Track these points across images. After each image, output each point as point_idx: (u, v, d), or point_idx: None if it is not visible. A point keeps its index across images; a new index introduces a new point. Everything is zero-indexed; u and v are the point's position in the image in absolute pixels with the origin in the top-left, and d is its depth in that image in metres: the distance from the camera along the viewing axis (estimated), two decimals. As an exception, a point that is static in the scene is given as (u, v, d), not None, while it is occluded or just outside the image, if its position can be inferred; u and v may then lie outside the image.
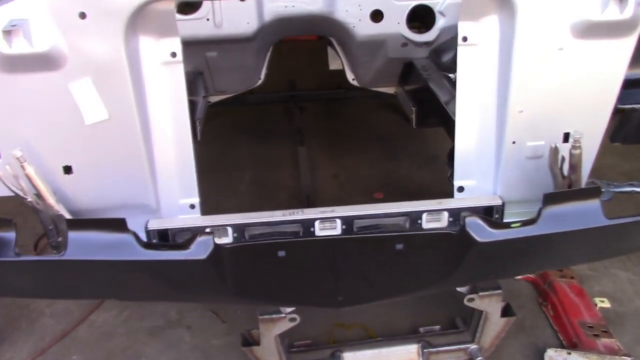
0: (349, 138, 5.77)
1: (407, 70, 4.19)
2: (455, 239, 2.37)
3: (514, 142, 2.65)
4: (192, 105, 3.79)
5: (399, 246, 2.38)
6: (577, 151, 2.48)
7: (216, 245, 2.27)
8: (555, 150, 2.51)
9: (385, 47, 4.01)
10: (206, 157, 5.32)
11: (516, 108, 2.58)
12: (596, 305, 3.91)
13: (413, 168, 5.33)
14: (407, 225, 2.69)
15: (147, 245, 2.28)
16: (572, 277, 4.06)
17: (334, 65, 4.71)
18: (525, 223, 2.37)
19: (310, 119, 5.99)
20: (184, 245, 2.27)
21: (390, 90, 4.59)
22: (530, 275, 4.13)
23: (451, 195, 2.85)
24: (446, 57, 3.99)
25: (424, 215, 2.67)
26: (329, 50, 4.70)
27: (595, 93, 2.58)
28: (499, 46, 2.57)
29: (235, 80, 4.23)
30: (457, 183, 2.77)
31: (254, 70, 4.21)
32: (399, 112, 5.93)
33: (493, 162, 2.71)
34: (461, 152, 2.70)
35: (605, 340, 3.64)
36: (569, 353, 3.56)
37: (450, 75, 3.71)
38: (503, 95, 2.60)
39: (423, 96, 3.95)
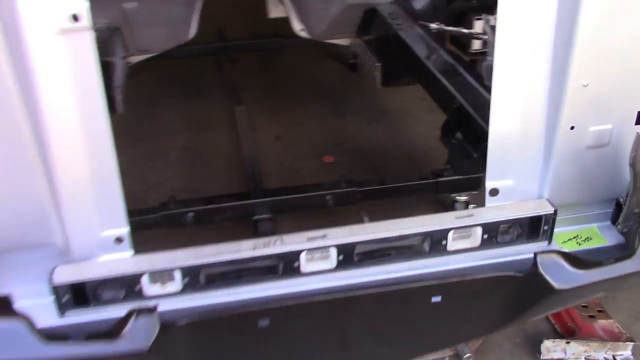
0: (289, 92, 4.73)
1: (369, 19, 3.18)
2: (522, 284, 1.45)
3: (572, 128, 1.72)
4: (109, 70, 2.70)
5: (436, 298, 1.44)
6: (673, 141, 1.58)
7: (163, 327, 1.26)
8: (644, 139, 1.59)
9: (344, -9, 2.99)
10: (127, 122, 4.28)
11: (580, 80, 1.65)
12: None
13: (362, 124, 4.36)
14: (427, 247, 1.75)
15: (52, 337, 1.24)
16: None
17: (275, 12, 3.65)
18: (619, 258, 1.47)
19: (245, 73, 4.89)
20: (113, 333, 1.25)
21: (344, 42, 3.56)
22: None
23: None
24: (420, 3, 3.01)
25: (450, 234, 1.73)
26: (269, -6, 3.63)
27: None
28: (559, -9, 1.60)
29: (161, 36, 3.11)
30: (489, 184, 1.82)
31: (184, 23, 3.11)
32: (340, 61, 4.96)
33: (540, 154, 1.78)
34: (497, 141, 1.75)
35: (602, 322, 2.93)
36: (568, 342, 2.79)
37: (432, 25, 2.73)
38: (561, 63, 1.65)
39: (391, 50, 2.97)
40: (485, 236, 1.75)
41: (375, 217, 3.45)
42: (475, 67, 2.76)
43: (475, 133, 2.27)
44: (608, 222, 1.86)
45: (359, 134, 4.27)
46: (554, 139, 1.72)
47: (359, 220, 3.42)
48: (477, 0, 3.21)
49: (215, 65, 4.96)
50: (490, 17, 2.30)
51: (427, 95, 4.15)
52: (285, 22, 3.61)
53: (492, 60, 2.32)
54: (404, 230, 1.70)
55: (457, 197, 3.40)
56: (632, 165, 1.62)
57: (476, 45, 3.15)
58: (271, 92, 4.73)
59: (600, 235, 1.81)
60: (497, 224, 1.73)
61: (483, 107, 2.33)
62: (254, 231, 3.23)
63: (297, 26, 3.37)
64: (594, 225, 1.85)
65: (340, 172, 3.72)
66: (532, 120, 1.72)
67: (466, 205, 3.41)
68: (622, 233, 1.76)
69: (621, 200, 1.76)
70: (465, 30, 2.61)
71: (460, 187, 3.40)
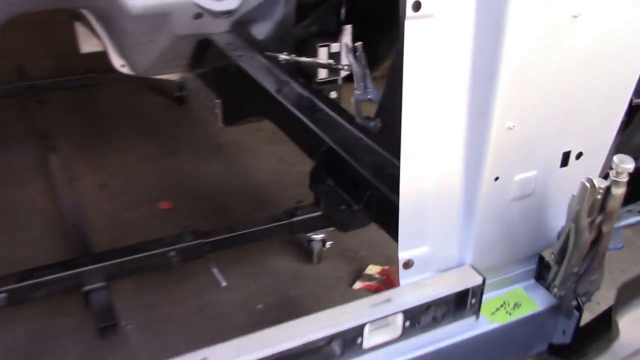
0: (111, 133, 4.03)
1: (203, 51, 2.65)
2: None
3: (496, 179, 1.33)
4: None
5: None
6: (620, 190, 1.24)
7: None
8: (590, 191, 1.23)
9: (172, 21, 2.44)
10: None
11: (504, 122, 1.27)
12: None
13: (198, 162, 3.81)
14: (339, 349, 1.27)
15: None
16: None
17: (88, 47, 3.00)
18: (602, 349, 1.10)
19: (57, 115, 4.10)
20: None
21: (174, 77, 2.99)
22: (372, 284, 2.94)
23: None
24: (262, 31, 2.55)
25: (367, 328, 1.27)
26: (78, 26, 2.96)
27: (612, 82, 1.34)
28: (476, 18, 1.21)
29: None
30: (402, 256, 1.37)
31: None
32: (165, 94, 4.37)
33: (460, 213, 1.37)
34: (409, 205, 1.31)
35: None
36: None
37: (280, 56, 2.27)
38: (482, 103, 1.25)
39: (233, 84, 2.48)
40: (407, 323, 1.30)
41: (224, 265, 2.95)
42: (330, 99, 2.35)
43: (352, 180, 1.85)
44: (532, 281, 1.51)
45: (195, 172, 3.72)
46: (476, 194, 1.32)
47: (208, 272, 2.90)
48: (317, 27, 2.82)
49: (18, 108, 4.11)
50: (350, 45, 1.88)
51: (263, 126, 3.71)
52: (99, 55, 2.98)
53: (360, 95, 1.93)
54: (309, 335, 1.21)
55: (314, 236, 3.05)
56: (575, 220, 1.27)
57: (322, 74, 2.77)
58: (90, 135, 4.01)
59: (529, 299, 1.45)
60: (421, 307, 1.30)
61: (357, 149, 1.92)
62: (86, 304, 2.63)
63: (117, 62, 2.75)
64: (519, 287, 1.49)
65: (179, 219, 3.20)
66: (449, 175, 1.32)
67: (323, 243, 3.04)
68: (559, 297, 1.41)
69: (551, 256, 1.41)
70: (323, 61, 2.18)
71: (316, 226, 3.04)
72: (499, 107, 1.24)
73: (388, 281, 2.89)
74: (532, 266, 1.50)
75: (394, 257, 2.75)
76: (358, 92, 1.93)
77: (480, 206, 1.32)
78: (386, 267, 2.94)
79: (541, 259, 1.48)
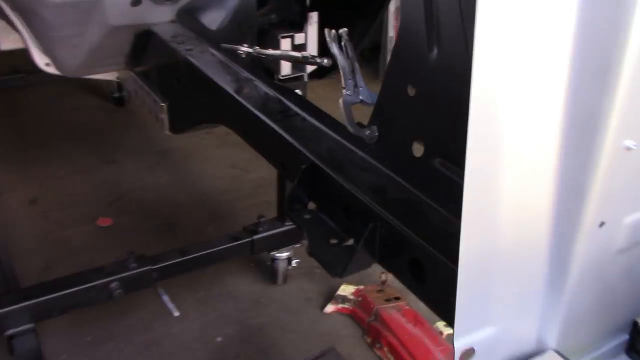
0: (42, 141, 3.43)
1: (143, 44, 2.07)
2: None
3: (602, 224, 0.81)
4: None
5: None
6: None
7: None
8: None
9: (103, 10, 1.87)
10: None
11: (622, 140, 0.75)
12: (441, 333, 2.36)
13: (141, 171, 3.22)
14: None
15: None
16: (397, 298, 2.44)
17: (7, 43, 2.40)
18: None
19: (-22, 122, 3.45)
20: None
21: (110, 77, 2.38)
22: (347, 307, 2.44)
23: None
24: (215, 20, 1.99)
25: None
26: (-6, 19, 2.33)
27: None
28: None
29: None
30: (460, 344, 0.84)
31: None
32: (102, 95, 3.74)
33: (544, 275, 0.85)
34: (471, 265, 0.78)
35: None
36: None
37: (241, 48, 1.71)
38: (590, 112, 0.73)
39: (182, 84, 1.91)
40: None
41: (176, 290, 2.42)
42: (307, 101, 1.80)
43: (343, 205, 1.32)
44: (623, 356, 1.01)
45: (139, 183, 3.15)
46: (571, 248, 0.81)
47: (157, 300, 2.37)
48: (277, 15, 2.28)
49: None
50: (334, 33, 1.34)
51: (214, 129, 3.15)
52: (24, 52, 2.38)
53: (351, 96, 1.41)
54: None
55: (278, 255, 2.55)
56: None
57: (285, 69, 2.23)
58: (18, 143, 3.41)
59: (626, 386, 0.95)
60: None
61: (347, 165, 1.39)
62: (10, 350, 2.09)
63: (40, 60, 2.13)
64: (608, 367, 0.99)
65: (122, 237, 2.66)
66: (532, 221, 0.80)
67: (288, 261, 2.56)
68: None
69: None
70: (296, 54, 1.63)
71: (281, 243, 2.57)
72: (617, 117, 0.73)
73: (364, 303, 2.39)
74: (624, 337, 1.00)
75: (369, 274, 2.19)
76: (347, 93, 1.40)
77: (575, 264, 0.81)
78: (361, 287, 2.45)
79: (635, 326, 0.99)
